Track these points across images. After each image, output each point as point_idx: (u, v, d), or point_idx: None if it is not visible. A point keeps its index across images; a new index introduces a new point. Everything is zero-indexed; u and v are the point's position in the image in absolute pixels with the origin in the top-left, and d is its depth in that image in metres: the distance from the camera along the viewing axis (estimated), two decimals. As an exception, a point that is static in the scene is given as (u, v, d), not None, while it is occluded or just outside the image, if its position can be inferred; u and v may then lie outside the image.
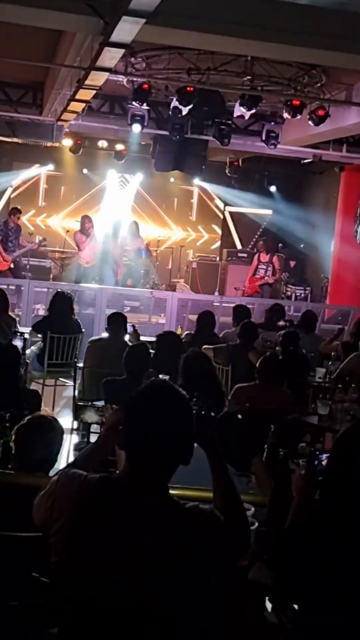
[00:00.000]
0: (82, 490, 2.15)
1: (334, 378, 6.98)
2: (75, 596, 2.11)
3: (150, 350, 6.85)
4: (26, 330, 8.73)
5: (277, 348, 8.01)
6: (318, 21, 6.99)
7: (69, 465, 2.38)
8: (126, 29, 5.66)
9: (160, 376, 6.03)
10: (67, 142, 13.65)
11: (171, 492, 2.20)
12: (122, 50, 6.48)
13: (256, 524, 2.70)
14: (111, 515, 2.11)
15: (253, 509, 2.82)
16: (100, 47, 6.32)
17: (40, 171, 15.74)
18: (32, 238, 13.90)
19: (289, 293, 15.54)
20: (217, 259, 16.46)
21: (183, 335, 8.75)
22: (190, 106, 9.47)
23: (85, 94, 8.68)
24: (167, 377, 5.97)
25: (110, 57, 6.68)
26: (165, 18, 6.05)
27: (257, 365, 5.94)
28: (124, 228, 14.25)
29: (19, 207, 14.00)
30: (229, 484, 2.37)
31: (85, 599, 2.10)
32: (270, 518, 2.77)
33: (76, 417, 3.85)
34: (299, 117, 9.58)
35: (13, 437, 3.34)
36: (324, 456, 2.55)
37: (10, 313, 8.91)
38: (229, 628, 2.47)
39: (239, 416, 4.30)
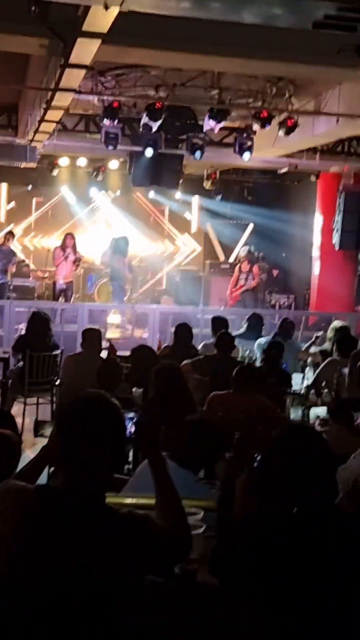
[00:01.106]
0: (20, 500, 2.22)
1: (310, 384, 7.06)
2: (19, 601, 2.18)
3: (126, 365, 6.94)
4: (8, 350, 8.83)
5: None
6: (280, 35, 7.12)
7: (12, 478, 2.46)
8: (83, 50, 5.77)
9: (134, 389, 6.12)
10: (45, 162, 13.79)
11: (130, 501, 2.27)
12: (83, 71, 6.59)
13: (204, 528, 2.77)
14: (49, 524, 2.18)
15: (202, 512, 2.88)
16: (62, 68, 6.43)
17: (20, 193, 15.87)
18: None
19: (272, 302, 15.66)
20: (201, 271, 16.56)
21: (162, 348, 8.83)
22: (159, 122, 9.59)
23: (54, 115, 8.79)
24: (140, 391, 6.06)
25: (73, 77, 6.79)
26: (124, 37, 6.17)
27: (234, 374, 6.02)
28: (125, 244, 14.21)
29: (12, 231, 14.17)
30: (170, 490, 2.43)
31: (27, 603, 2.16)
32: (217, 522, 2.83)
33: (36, 433, 3.93)
34: (268, 127, 9.70)
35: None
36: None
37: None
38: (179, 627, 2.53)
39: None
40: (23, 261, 14.04)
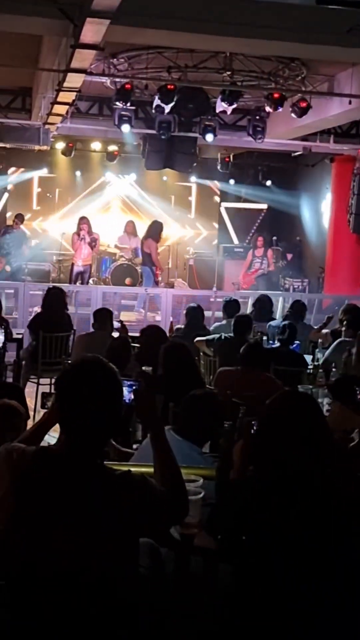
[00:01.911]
0: (21, 462, 2.29)
1: (320, 364, 7.09)
2: (20, 559, 2.25)
3: (136, 345, 7.01)
4: (21, 331, 8.93)
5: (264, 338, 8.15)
6: (293, 15, 7.12)
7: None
8: (93, 30, 5.80)
9: (143, 368, 6.19)
10: (60, 145, 13.85)
11: (137, 469, 2.33)
12: (94, 52, 6.62)
13: (202, 493, 2.83)
14: (48, 484, 2.25)
15: (202, 480, 2.94)
16: (72, 49, 6.47)
17: (32, 175, 15.90)
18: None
19: (287, 285, 15.65)
20: (214, 255, 16.57)
21: (174, 330, 8.89)
22: (172, 104, 9.60)
23: (66, 97, 8.83)
24: (149, 369, 6.13)
25: (83, 58, 6.82)
26: (134, 18, 6.20)
27: (241, 351, 6.07)
28: (160, 229, 14.22)
29: (22, 214, 14.24)
30: (166, 454, 2.50)
31: (28, 560, 2.24)
32: (216, 485, 2.90)
33: (43, 405, 4.00)
34: (280, 109, 9.68)
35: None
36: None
37: (6, 316, 9.10)
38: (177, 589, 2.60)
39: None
40: (35, 244, 14.12)
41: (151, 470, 2.53)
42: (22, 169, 15.61)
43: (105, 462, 2.36)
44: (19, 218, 13.88)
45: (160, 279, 13.83)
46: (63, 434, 2.32)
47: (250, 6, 6.95)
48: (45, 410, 2.85)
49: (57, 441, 2.39)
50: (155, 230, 13.76)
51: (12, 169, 15.69)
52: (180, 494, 2.43)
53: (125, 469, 2.35)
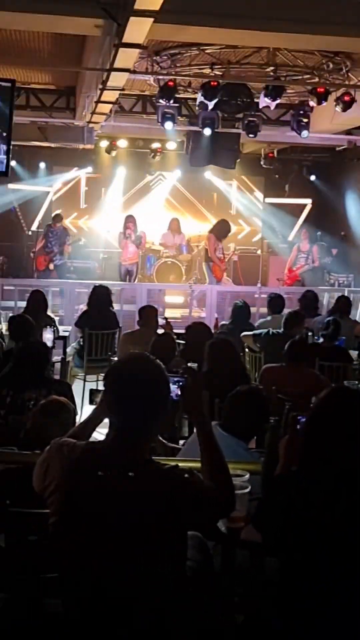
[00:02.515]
0: (71, 455, 2.34)
1: (366, 360, 7.05)
2: (70, 551, 2.31)
3: (181, 341, 7.05)
4: (68, 329, 9.05)
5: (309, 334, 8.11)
6: (337, 8, 7.07)
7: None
8: (136, 29, 5.85)
9: (189, 364, 6.23)
10: (104, 144, 13.95)
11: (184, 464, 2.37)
12: (137, 50, 6.67)
13: (249, 488, 2.85)
14: (97, 476, 2.29)
15: (248, 474, 2.96)
16: (116, 48, 6.53)
17: (78, 174, 16.03)
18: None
19: (332, 281, 15.52)
20: (259, 251, 16.52)
21: (219, 326, 8.91)
22: (215, 100, 9.61)
23: (110, 95, 8.90)
24: (194, 365, 6.16)
25: (127, 57, 6.87)
26: (177, 15, 6.23)
27: (286, 348, 6.06)
28: (219, 227, 14.21)
29: (59, 214, 14.38)
30: (214, 449, 2.53)
31: (77, 554, 2.29)
32: (263, 483, 2.91)
33: (91, 401, 4.08)
34: (324, 104, 9.62)
35: (29, 421, 3.55)
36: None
37: (51, 313, 9.23)
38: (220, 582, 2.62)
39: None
40: (79, 240, 14.23)
41: (198, 465, 2.56)
42: (67, 169, 15.77)
43: (152, 457, 2.40)
44: (57, 218, 14.02)
45: (218, 274, 13.70)
46: (111, 429, 2.37)
47: (293, 1, 6.93)
48: (94, 406, 2.89)
49: (106, 436, 2.43)
50: (220, 229, 13.75)
51: (56, 168, 15.86)
52: (227, 489, 2.46)
53: (173, 463, 2.39)
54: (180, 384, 2.62)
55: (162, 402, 2.35)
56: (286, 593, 2.38)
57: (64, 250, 13.56)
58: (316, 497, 2.29)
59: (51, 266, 13.33)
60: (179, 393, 2.62)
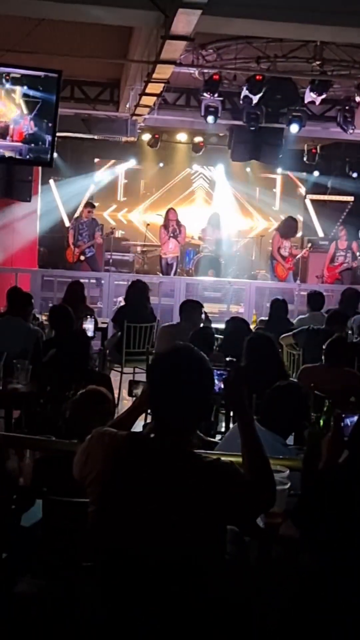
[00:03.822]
0: (112, 445, 2.34)
1: None
2: (108, 541, 2.30)
3: (219, 336, 7.03)
4: (106, 321, 9.09)
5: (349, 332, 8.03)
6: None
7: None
8: (184, 21, 5.82)
9: (227, 358, 6.21)
10: (146, 137, 13.95)
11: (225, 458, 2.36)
12: (184, 43, 6.64)
13: (289, 484, 2.82)
14: (138, 467, 2.29)
15: (288, 471, 2.93)
16: (162, 40, 6.51)
17: (122, 168, 16.03)
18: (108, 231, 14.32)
19: (372, 279, 15.34)
20: (298, 247, 16.38)
21: (258, 322, 8.87)
22: (260, 95, 9.55)
23: (155, 88, 8.88)
24: (233, 359, 6.14)
25: (173, 49, 6.85)
26: (224, 8, 6.19)
27: (325, 347, 6.00)
28: (284, 224, 14.19)
29: (92, 202, 14.35)
30: (256, 444, 2.49)
31: (116, 542, 2.28)
32: (303, 480, 2.89)
33: (130, 392, 4.10)
34: (370, 99, 9.50)
35: (68, 410, 3.56)
36: (350, 419, 2.64)
37: (91, 305, 9.28)
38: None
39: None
40: (113, 232, 14.17)
41: (239, 459, 2.53)
42: (112, 161, 15.79)
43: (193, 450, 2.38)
44: (88, 206, 13.94)
45: (280, 273, 13.60)
46: (154, 420, 2.36)
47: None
48: (134, 397, 2.89)
49: (147, 427, 2.42)
50: (284, 227, 13.71)
51: (97, 160, 15.89)
52: (268, 484, 2.43)
53: (215, 457, 2.37)
54: (224, 377, 2.60)
55: (205, 395, 2.33)
56: (324, 589, 2.35)
57: (95, 241, 13.49)
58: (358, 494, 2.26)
59: (82, 258, 13.32)
60: (222, 386, 2.60)
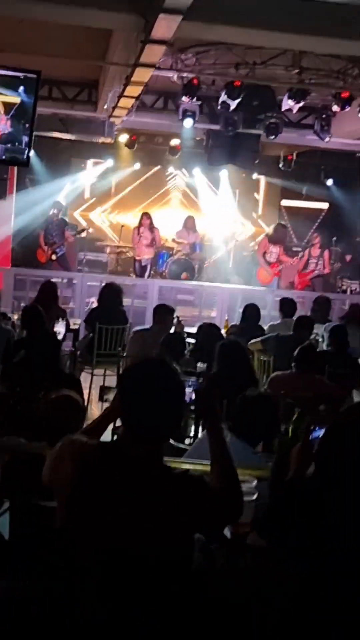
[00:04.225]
0: (82, 452, 2.34)
1: (375, 368, 7.01)
2: (75, 547, 2.30)
3: (191, 340, 7.04)
4: (78, 322, 9.06)
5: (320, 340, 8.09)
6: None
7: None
8: (164, 26, 5.84)
9: (198, 364, 6.22)
10: (123, 138, 13.92)
11: (187, 466, 2.36)
12: (164, 47, 6.65)
13: (256, 494, 2.84)
14: (107, 474, 2.29)
15: (255, 481, 2.95)
16: (142, 44, 6.51)
17: (98, 169, 15.96)
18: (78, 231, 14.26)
19: (344, 287, 15.46)
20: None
21: (229, 327, 8.89)
22: (238, 100, 9.58)
23: (133, 90, 8.88)
24: (204, 366, 6.15)
25: (153, 53, 6.86)
26: (204, 14, 6.21)
27: (295, 354, 6.04)
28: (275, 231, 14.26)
29: (59, 201, 14.27)
30: (224, 454, 2.51)
31: (82, 551, 2.28)
32: (271, 488, 2.90)
33: (101, 397, 4.08)
34: (348, 109, 9.58)
35: (39, 412, 3.54)
36: (319, 432, 2.66)
37: (63, 305, 9.24)
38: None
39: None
40: (83, 231, 14.11)
41: (208, 469, 2.55)
42: (88, 161, 15.71)
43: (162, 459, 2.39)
44: (57, 205, 13.91)
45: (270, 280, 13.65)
46: (124, 427, 2.36)
47: (321, 4, 6.90)
48: (104, 402, 2.89)
49: (117, 436, 2.43)
50: (276, 232, 13.76)
51: (74, 160, 15.81)
52: (235, 495, 2.45)
53: (183, 467, 2.38)
54: (195, 388, 2.62)
55: (177, 407, 2.34)
56: (293, 598, 2.37)
57: (66, 240, 13.45)
58: (328, 505, 2.27)
59: (53, 257, 13.27)
60: (192, 397, 2.61)
